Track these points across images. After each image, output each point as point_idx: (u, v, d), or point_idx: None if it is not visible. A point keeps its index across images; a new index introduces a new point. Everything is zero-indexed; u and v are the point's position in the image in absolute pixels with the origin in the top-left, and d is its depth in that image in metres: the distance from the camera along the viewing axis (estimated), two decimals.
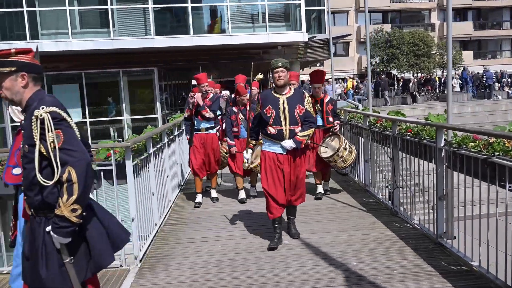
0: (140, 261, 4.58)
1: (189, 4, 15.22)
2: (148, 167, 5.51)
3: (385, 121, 6.17)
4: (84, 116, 15.81)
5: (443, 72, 33.49)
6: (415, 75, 29.80)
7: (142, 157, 5.08)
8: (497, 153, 3.60)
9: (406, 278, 3.84)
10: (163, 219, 5.99)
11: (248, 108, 6.32)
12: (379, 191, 6.53)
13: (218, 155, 6.82)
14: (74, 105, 15.87)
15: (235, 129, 6.57)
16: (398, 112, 6.49)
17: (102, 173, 4.43)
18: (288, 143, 4.56)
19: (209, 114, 6.55)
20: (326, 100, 6.57)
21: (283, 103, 4.59)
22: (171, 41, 15.13)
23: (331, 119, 6.51)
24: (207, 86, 6.63)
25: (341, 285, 3.80)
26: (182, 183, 8.04)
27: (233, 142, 6.55)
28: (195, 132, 6.69)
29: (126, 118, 16.23)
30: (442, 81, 30.18)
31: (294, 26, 16.18)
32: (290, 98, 4.64)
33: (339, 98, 26.72)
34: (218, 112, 6.90)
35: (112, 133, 16.21)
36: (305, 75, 26.20)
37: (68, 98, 15.96)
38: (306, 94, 4.82)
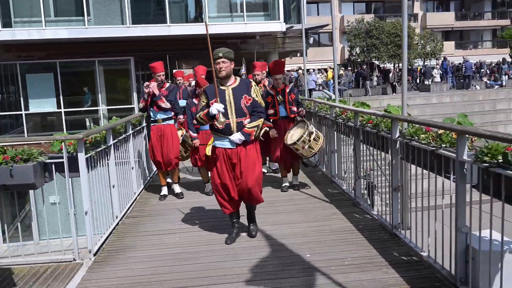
0: (95, 254, 4.53)
1: None
2: (108, 159, 5.44)
3: (349, 112, 6.17)
4: (59, 106, 15.58)
5: (424, 62, 33.69)
6: (396, 65, 29.87)
7: (99, 149, 5.00)
8: (444, 145, 3.62)
9: (356, 269, 3.85)
10: (125, 212, 5.93)
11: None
12: (344, 182, 6.55)
13: (177, 147, 6.56)
14: (49, 94, 15.64)
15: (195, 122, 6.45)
16: (363, 103, 6.49)
17: (53, 166, 4.34)
18: (236, 136, 4.36)
19: (165, 104, 6.31)
20: (288, 90, 6.47)
21: (228, 95, 4.41)
22: (147, 30, 14.94)
23: (294, 108, 6.41)
24: (163, 75, 6.37)
25: (292, 277, 3.79)
26: (150, 176, 7.96)
27: (195, 135, 6.28)
28: (151, 124, 6.49)
29: (102, 108, 16.02)
30: (423, 71, 30.41)
31: (272, 16, 16.09)
32: (235, 89, 4.44)
33: (320, 88, 26.82)
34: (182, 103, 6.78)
35: (88, 123, 15.98)
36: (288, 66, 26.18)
37: (42, 88, 15.74)
38: (253, 83, 4.58)
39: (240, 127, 4.39)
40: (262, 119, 4.51)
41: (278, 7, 15.41)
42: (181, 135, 6.74)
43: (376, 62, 32.74)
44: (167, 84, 6.49)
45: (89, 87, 16.26)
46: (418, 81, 30.22)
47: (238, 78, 4.59)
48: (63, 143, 4.26)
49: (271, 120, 6.47)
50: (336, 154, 6.84)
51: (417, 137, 4.04)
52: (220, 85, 4.45)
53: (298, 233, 4.82)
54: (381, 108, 21.95)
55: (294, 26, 16.37)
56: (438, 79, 29.18)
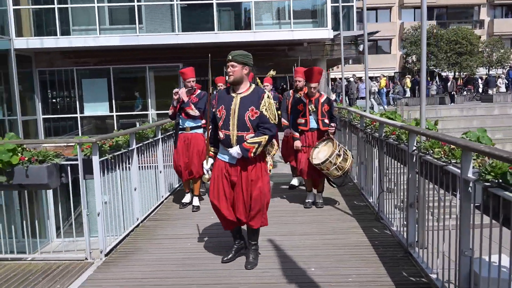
0: (107, 255, 4.65)
1: (215, 1, 15.33)
2: (130, 163, 5.59)
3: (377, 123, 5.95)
4: (111, 110, 16.29)
5: (489, 71, 31.96)
6: (456, 74, 28.56)
7: (118, 152, 5.15)
8: (455, 161, 3.39)
9: (357, 287, 3.69)
10: (148, 215, 6.05)
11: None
12: (370, 195, 6.31)
13: (201, 158, 6.02)
14: (102, 99, 16.41)
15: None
16: (394, 113, 6.21)
17: (69, 168, 4.51)
18: (234, 150, 3.95)
19: (194, 111, 6.04)
20: (322, 100, 6.00)
21: (235, 104, 4.00)
22: (195, 37, 15.30)
23: (326, 121, 5.95)
24: (193, 81, 6.09)
25: None
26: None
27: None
28: (179, 132, 6.22)
29: (152, 112, 16.58)
30: (487, 81, 28.81)
31: (321, 23, 15.96)
32: (244, 98, 4.00)
33: (375, 96, 26.11)
34: None
35: (138, 127, 16.57)
36: (337, 73, 25.82)
37: (96, 92, 16.56)
38: (265, 95, 4.02)
39: (240, 141, 3.96)
40: (266, 137, 3.96)
41: (326, 14, 15.26)
42: None
43: (437, 70, 31.54)
44: (198, 91, 6.18)
45: (140, 92, 16.88)
46: (480, 90, 28.65)
47: (253, 86, 4.12)
48: (78, 146, 4.42)
49: (299, 130, 6.09)
50: (365, 165, 6.63)
51: (432, 151, 3.83)
52: (232, 92, 4.09)
53: (308, 246, 4.69)
54: (436, 118, 21.08)
55: (342, 34, 16.06)
56: (503, 89, 27.56)
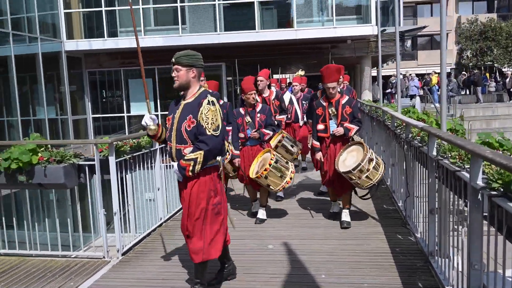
0: (124, 254, 4.75)
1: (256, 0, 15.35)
2: (153, 163, 5.68)
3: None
4: (156, 109, 16.72)
5: None
6: None
7: (138, 153, 5.24)
8: (468, 166, 3.15)
9: None
10: (172, 215, 6.12)
11: (258, 109, 5.59)
12: (400, 199, 6.04)
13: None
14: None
15: (242, 135, 5.59)
16: (425, 114, 5.90)
17: (87, 168, 4.64)
18: (174, 167, 3.45)
19: None
20: (343, 101, 5.32)
21: (178, 113, 3.48)
22: (237, 37, 15.38)
23: (348, 125, 5.26)
24: (202, 82, 5.71)
25: None
26: None
27: (237, 152, 5.57)
28: None
29: None
30: None
31: (365, 19, 15.56)
32: (187, 105, 3.46)
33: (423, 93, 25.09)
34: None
35: None
36: (386, 71, 25.05)
37: (142, 92, 17.02)
38: (206, 101, 3.38)
39: (179, 156, 3.43)
40: (201, 152, 3.31)
41: (371, 9, 14.85)
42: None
43: (496, 65, 29.88)
44: (222, 101, 5.81)
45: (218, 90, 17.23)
46: None
47: (200, 91, 3.49)
48: (95, 146, 4.53)
49: (319, 138, 5.45)
50: (396, 167, 6.35)
51: (450, 155, 3.59)
52: (182, 99, 3.56)
53: (325, 251, 4.57)
54: (492, 118, 19.90)
55: (387, 29, 15.58)
56: None
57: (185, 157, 3.36)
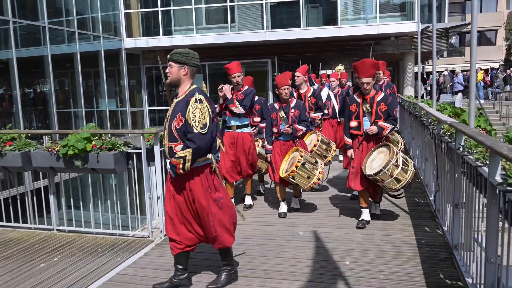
0: (166, 234, 4.94)
1: None
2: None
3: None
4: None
5: None
6: None
7: None
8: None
9: (386, 285, 3.50)
10: None
11: (292, 105, 5.33)
12: (431, 193, 5.90)
13: (252, 158, 5.62)
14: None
15: (275, 129, 5.36)
16: (461, 109, 5.70)
17: (134, 156, 4.86)
18: (168, 165, 3.33)
19: (238, 109, 5.34)
20: (379, 98, 4.89)
21: (170, 110, 3.39)
22: (282, 34, 15.39)
23: (382, 123, 4.86)
24: (238, 76, 5.42)
25: (317, 282, 3.61)
26: None
27: (270, 147, 5.41)
28: (226, 130, 5.56)
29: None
30: None
31: (409, 16, 15.09)
32: (178, 103, 3.33)
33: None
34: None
35: None
36: (431, 68, 24.08)
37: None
38: (194, 98, 3.23)
39: (171, 153, 3.30)
40: (189, 150, 3.16)
41: (415, 6, 14.38)
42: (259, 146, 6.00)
43: None
44: (245, 87, 5.53)
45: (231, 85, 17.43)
46: None
47: (191, 89, 3.35)
48: (141, 136, 4.74)
49: (352, 135, 5.11)
50: (429, 162, 6.19)
51: (475, 150, 3.49)
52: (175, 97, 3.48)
53: (352, 239, 4.56)
54: None
55: (431, 26, 15.00)
56: None
57: (176, 155, 3.22)
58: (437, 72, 25.10)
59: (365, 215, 5.03)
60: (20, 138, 5.23)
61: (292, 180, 5.18)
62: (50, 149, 4.85)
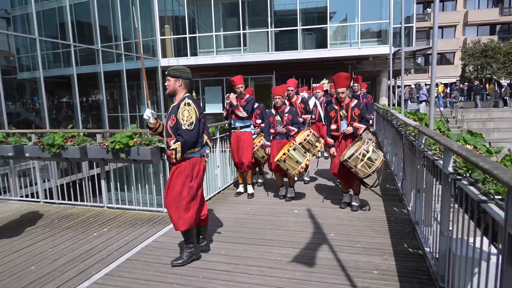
0: None
1: (299, 27, 15.18)
2: (215, 147, 5.87)
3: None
4: (223, 109, 17.07)
5: None
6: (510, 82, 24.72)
7: None
8: (500, 196, 2.00)
9: (361, 252, 3.50)
10: (227, 186, 6.30)
11: (286, 110, 5.28)
12: (399, 180, 5.86)
13: (250, 152, 5.52)
14: (218, 101, 17.24)
15: (272, 130, 5.37)
16: (424, 114, 5.63)
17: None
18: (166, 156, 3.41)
19: (242, 113, 5.37)
20: (352, 104, 4.78)
21: (168, 113, 3.47)
22: (284, 55, 15.33)
23: (356, 124, 4.72)
24: (241, 87, 5.44)
25: (308, 249, 3.63)
26: None
27: (268, 143, 5.37)
28: (232, 131, 5.63)
29: None
30: None
31: (384, 41, 14.96)
32: (173, 107, 3.36)
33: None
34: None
35: None
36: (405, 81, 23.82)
37: (214, 97, 17.44)
38: (184, 102, 3.25)
39: (167, 147, 3.35)
40: (179, 143, 3.21)
41: (388, 34, 14.25)
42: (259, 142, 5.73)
43: (495, 77, 27.64)
44: (247, 96, 5.54)
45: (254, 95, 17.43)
46: None
47: (184, 96, 3.34)
48: None
49: (333, 136, 4.94)
50: (398, 156, 6.15)
51: (432, 148, 3.45)
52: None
53: (337, 217, 4.55)
54: (488, 120, 18.48)
55: (400, 49, 14.87)
56: None
57: (170, 148, 3.27)
58: (405, 85, 24.83)
59: (346, 198, 5.03)
60: (79, 135, 5.30)
61: (283, 163, 4.93)
62: (101, 144, 4.91)
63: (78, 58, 12.49)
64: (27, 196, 6.04)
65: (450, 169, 2.68)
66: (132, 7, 14.04)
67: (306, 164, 4.97)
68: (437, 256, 2.93)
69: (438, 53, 35.92)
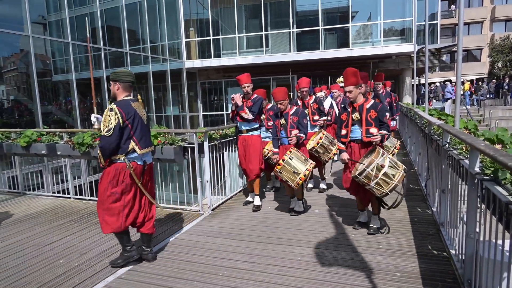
0: (213, 209, 4.98)
1: (321, 27, 14.96)
2: (236, 147, 5.84)
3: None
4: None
5: None
6: None
7: (225, 140, 5.44)
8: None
9: (383, 253, 3.38)
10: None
11: (291, 112, 4.46)
12: (423, 180, 5.64)
13: (257, 158, 4.85)
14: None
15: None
16: (446, 115, 5.38)
17: (189, 149, 4.91)
18: None
19: (247, 115, 4.76)
20: (368, 105, 3.82)
21: None
22: (305, 55, 15.16)
23: (373, 130, 3.74)
24: (247, 86, 4.79)
25: (328, 249, 3.54)
26: None
27: (276, 150, 4.54)
28: (238, 134, 4.99)
29: None
30: None
31: (408, 39, 14.51)
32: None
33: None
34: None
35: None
36: (431, 79, 23.09)
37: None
38: (108, 107, 3.14)
39: None
40: (99, 148, 3.17)
41: (411, 31, 13.80)
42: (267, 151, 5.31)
43: None
44: (254, 96, 4.90)
45: (267, 96, 17.35)
46: None
47: (121, 99, 3.22)
48: (194, 134, 4.79)
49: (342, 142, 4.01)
50: (422, 155, 5.92)
51: (458, 147, 3.28)
52: None
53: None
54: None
55: (424, 47, 14.37)
56: None
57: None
58: (430, 83, 23.99)
59: (362, 217, 4.17)
60: None
61: (280, 174, 4.19)
62: None
63: (108, 61, 12.82)
64: (59, 192, 6.23)
65: (477, 169, 2.53)
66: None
67: (305, 175, 4.14)
68: (463, 259, 2.78)
69: (464, 50, 34.74)
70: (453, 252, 3.21)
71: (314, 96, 6.27)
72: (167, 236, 4.07)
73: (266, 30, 15.75)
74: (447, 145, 3.56)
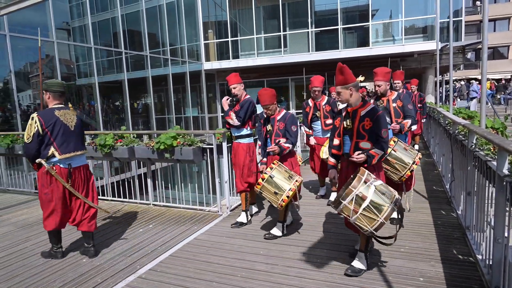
0: (231, 210, 4.98)
1: (340, 26, 14.78)
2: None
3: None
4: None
5: None
6: None
7: None
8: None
9: (406, 257, 3.28)
10: None
11: (277, 117, 3.92)
12: (447, 182, 5.46)
13: (248, 170, 4.31)
14: (258, 101, 17.30)
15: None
16: (475, 112, 5.20)
17: (208, 150, 4.93)
18: None
19: (232, 121, 4.23)
20: (363, 112, 2.93)
21: None
22: (324, 55, 15.02)
23: (364, 144, 2.90)
24: (234, 88, 4.30)
25: (347, 252, 3.47)
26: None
27: (264, 160, 4.04)
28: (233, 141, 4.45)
29: (292, 111, 16.83)
30: None
31: (430, 37, 14.13)
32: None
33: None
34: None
35: None
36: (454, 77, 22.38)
37: (255, 98, 17.49)
38: (31, 116, 3.35)
39: None
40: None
41: (434, 29, 13.43)
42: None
43: None
44: (245, 98, 4.40)
45: (285, 96, 17.29)
46: None
47: (48, 108, 3.44)
48: (213, 135, 4.80)
49: (333, 154, 3.18)
50: (446, 156, 5.74)
51: (485, 148, 3.16)
52: None
53: None
54: None
55: (448, 45, 13.94)
56: None
57: None
58: (454, 81, 23.26)
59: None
60: (128, 136, 5.51)
61: (261, 195, 3.61)
62: (147, 145, 5.06)
63: (129, 64, 13.09)
64: None
65: (505, 171, 2.42)
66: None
67: (288, 196, 3.50)
68: (490, 264, 2.67)
69: (490, 48, 33.49)
70: (479, 257, 3.09)
71: (326, 97, 5.79)
72: (186, 236, 4.10)
73: (284, 30, 15.71)
74: (473, 146, 3.43)
